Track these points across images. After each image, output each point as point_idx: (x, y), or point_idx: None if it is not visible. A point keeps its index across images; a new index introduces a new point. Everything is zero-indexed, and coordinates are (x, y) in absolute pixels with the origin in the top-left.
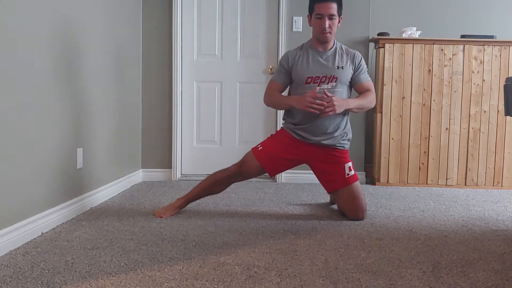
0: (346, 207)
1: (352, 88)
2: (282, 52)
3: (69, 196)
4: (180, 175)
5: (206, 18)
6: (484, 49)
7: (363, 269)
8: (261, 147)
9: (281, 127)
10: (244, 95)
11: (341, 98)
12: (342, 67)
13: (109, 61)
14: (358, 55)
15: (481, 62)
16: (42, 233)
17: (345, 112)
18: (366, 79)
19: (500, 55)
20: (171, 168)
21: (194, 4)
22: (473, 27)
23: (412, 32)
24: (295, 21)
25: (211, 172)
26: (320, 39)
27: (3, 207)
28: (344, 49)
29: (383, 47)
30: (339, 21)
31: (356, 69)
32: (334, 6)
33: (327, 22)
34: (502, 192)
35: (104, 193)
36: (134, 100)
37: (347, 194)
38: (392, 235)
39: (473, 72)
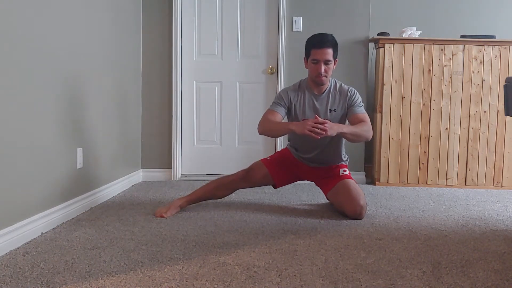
0: (344, 202)
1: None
2: (282, 52)
3: (69, 196)
4: (180, 175)
5: (206, 18)
6: (484, 49)
7: (363, 269)
8: (270, 158)
9: (286, 147)
10: (244, 95)
11: (334, 123)
12: (335, 109)
13: (109, 60)
14: (351, 91)
15: (481, 62)
16: (42, 233)
17: (339, 143)
18: (360, 111)
19: (500, 55)
20: (171, 168)
21: (194, 4)
22: (473, 27)
23: (412, 32)
24: (295, 21)
25: (211, 172)
26: (316, 82)
27: (3, 207)
28: (337, 89)
29: (383, 47)
30: (334, 64)
31: (349, 106)
32: (330, 52)
33: (323, 67)
34: (502, 192)
35: (104, 193)
36: (134, 100)
37: (343, 188)
38: (392, 235)
39: (473, 72)
